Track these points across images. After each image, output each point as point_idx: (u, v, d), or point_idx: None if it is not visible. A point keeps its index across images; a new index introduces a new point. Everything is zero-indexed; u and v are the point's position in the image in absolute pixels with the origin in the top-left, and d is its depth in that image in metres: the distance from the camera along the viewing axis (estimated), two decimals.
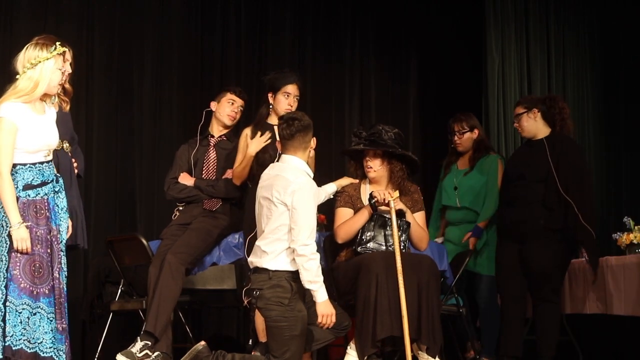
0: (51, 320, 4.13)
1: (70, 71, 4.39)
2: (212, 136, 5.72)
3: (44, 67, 4.16)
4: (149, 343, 5.04)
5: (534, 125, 5.53)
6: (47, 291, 4.13)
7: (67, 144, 4.83)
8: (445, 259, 5.60)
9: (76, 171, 4.92)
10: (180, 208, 5.64)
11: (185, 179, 5.63)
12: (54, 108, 4.63)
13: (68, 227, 4.39)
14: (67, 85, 4.73)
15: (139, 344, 5.02)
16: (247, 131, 5.37)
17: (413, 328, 4.71)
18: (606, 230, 6.48)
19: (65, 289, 4.23)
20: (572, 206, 5.25)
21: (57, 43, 4.22)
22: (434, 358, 4.79)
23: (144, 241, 5.49)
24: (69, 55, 4.62)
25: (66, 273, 4.29)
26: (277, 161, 4.81)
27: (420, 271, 4.83)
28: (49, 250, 4.17)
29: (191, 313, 6.50)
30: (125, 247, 5.69)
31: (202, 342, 4.54)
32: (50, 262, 4.16)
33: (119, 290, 5.77)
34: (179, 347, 5.51)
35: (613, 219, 6.76)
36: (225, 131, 5.72)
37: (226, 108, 5.68)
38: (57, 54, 4.20)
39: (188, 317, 6.05)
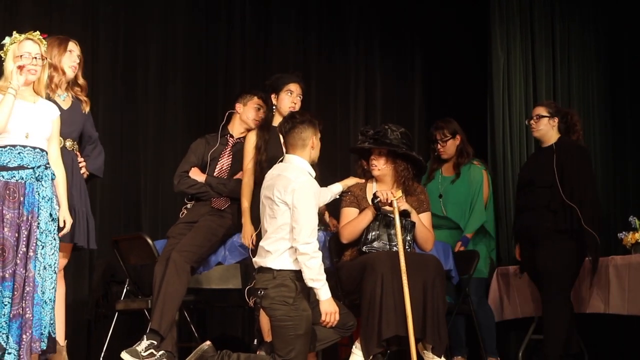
0: (5, 305, 4.14)
1: (51, 61, 4.51)
2: (232, 136, 5.71)
3: (6, 58, 4.33)
4: (155, 342, 5.03)
5: (549, 132, 5.61)
6: (7, 275, 4.16)
7: (71, 142, 4.80)
8: (450, 258, 5.59)
9: (83, 170, 4.87)
10: (188, 206, 5.63)
11: (196, 174, 5.60)
12: (63, 105, 4.71)
13: (64, 221, 4.39)
14: (80, 81, 4.83)
15: (144, 343, 5.02)
16: (253, 135, 5.37)
17: (418, 327, 4.71)
18: (612, 229, 6.46)
19: (37, 279, 4.19)
20: (576, 210, 5.31)
21: (14, 32, 4.36)
22: (440, 357, 4.79)
23: (149, 240, 5.49)
24: (73, 46, 4.71)
25: (48, 263, 4.25)
26: (281, 161, 4.81)
27: (425, 271, 4.82)
28: (16, 235, 4.19)
29: (196, 313, 6.50)
30: (130, 246, 5.69)
31: (208, 342, 4.54)
32: (17, 246, 4.18)
33: (125, 290, 5.77)
34: (184, 347, 5.51)
35: (619, 218, 6.73)
36: (245, 134, 5.68)
37: (253, 112, 5.65)
38: (11, 43, 4.32)
39: (193, 316, 6.05)
